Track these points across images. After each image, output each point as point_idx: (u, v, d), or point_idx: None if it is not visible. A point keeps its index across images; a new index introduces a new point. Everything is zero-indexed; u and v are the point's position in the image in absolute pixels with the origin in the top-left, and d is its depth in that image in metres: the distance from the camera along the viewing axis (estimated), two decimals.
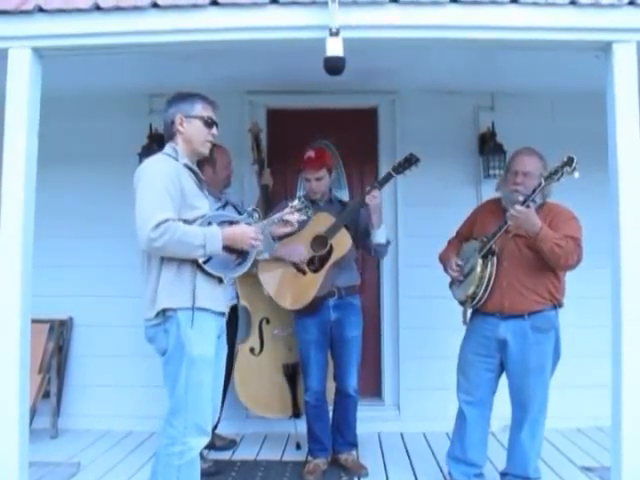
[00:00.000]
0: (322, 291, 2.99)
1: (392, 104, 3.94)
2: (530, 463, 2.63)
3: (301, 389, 3.29)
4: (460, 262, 2.75)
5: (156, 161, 2.20)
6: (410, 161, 2.90)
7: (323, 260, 2.99)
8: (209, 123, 2.27)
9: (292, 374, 3.36)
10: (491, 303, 2.63)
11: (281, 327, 3.38)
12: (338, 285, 3.04)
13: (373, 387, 3.93)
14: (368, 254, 3.19)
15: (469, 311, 2.74)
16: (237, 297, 3.35)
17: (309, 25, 2.31)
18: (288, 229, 2.45)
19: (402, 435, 3.69)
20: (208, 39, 2.39)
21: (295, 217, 2.41)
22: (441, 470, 3.05)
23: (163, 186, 2.09)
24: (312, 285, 2.99)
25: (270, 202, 3.40)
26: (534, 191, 2.45)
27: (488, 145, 3.74)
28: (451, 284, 2.84)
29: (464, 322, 2.75)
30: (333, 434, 3.16)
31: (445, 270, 2.84)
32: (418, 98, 3.84)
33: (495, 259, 2.62)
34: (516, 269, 2.61)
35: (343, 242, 2.99)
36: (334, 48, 2.23)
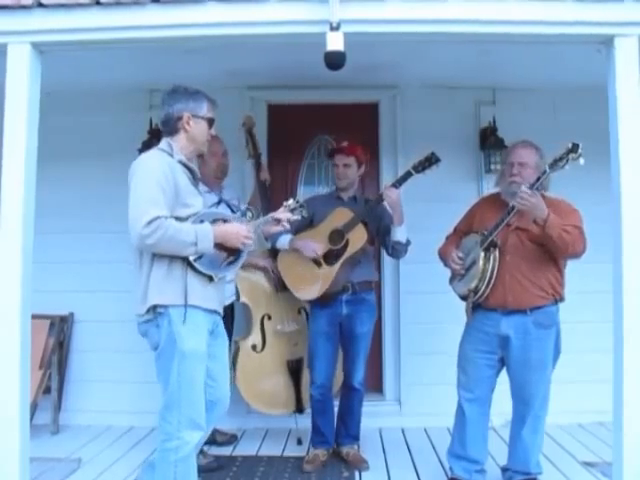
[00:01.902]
0: (336, 285, 3.01)
1: (393, 99, 3.93)
2: (531, 458, 2.63)
3: (304, 385, 3.29)
4: (461, 254, 2.74)
5: (150, 157, 2.20)
6: (430, 160, 2.90)
7: (339, 254, 3.01)
8: (211, 123, 2.32)
9: (295, 370, 3.35)
10: (493, 298, 2.62)
11: (283, 323, 3.36)
12: (352, 280, 3.05)
13: (374, 382, 3.93)
14: (387, 252, 3.19)
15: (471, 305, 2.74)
16: (237, 294, 3.34)
17: (309, 20, 2.30)
18: (279, 228, 2.45)
19: (403, 430, 3.69)
20: (208, 34, 2.38)
21: (287, 216, 2.41)
22: (442, 465, 3.06)
23: (156, 182, 2.09)
24: (326, 278, 3.01)
25: (269, 198, 3.39)
26: (538, 179, 2.43)
27: (489, 140, 3.74)
28: (451, 279, 2.83)
29: (468, 317, 2.74)
30: (337, 426, 3.17)
31: (445, 264, 2.83)
32: (419, 93, 3.84)
33: (497, 252, 2.60)
34: (519, 263, 2.60)
35: (359, 236, 3.00)
36: (335, 43, 2.22)
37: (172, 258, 2.12)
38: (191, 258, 2.12)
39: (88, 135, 3.82)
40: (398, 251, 3.09)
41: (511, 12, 2.32)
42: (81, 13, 2.33)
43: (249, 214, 2.35)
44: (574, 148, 2.34)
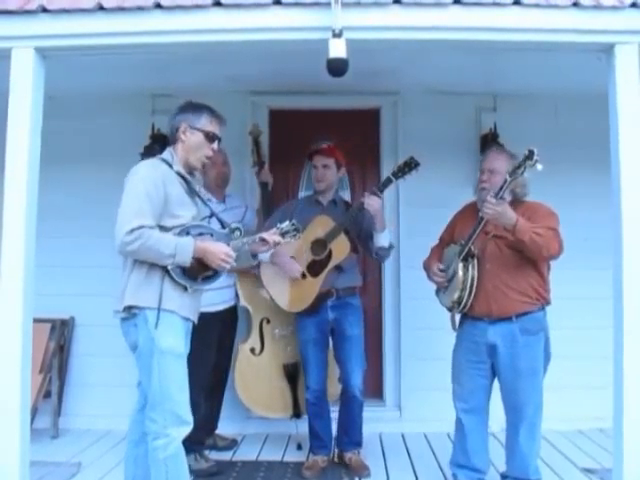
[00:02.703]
0: (321, 294, 3.01)
1: (394, 105, 3.94)
2: (530, 465, 2.61)
3: (302, 389, 3.29)
4: (442, 267, 2.74)
5: (145, 166, 2.27)
6: (410, 165, 2.87)
7: (322, 264, 3.01)
8: (211, 137, 2.33)
9: (293, 374, 3.36)
10: (478, 307, 2.62)
11: (281, 327, 3.37)
12: (336, 286, 3.05)
13: (374, 388, 3.93)
14: (370, 256, 3.19)
15: (457, 317, 2.74)
16: (237, 298, 3.35)
17: (312, 26, 2.32)
18: (266, 248, 2.54)
19: (403, 436, 3.69)
20: (211, 40, 2.40)
21: (274, 239, 2.45)
22: (442, 471, 3.06)
23: (146, 192, 2.16)
24: (311, 289, 3.01)
25: (270, 200, 3.41)
26: (501, 188, 2.42)
27: (490, 146, 3.73)
28: (437, 291, 2.83)
29: (453, 328, 2.75)
30: (338, 433, 3.17)
31: (429, 277, 2.85)
32: (420, 99, 3.84)
33: (476, 261, 2.60)
34: (500, 271, 2.59)
35: (342, 247, 3.00)
36: (337, 49, 2.23)
37: (152, 264, 2.20)
38: (169, 267, 2.18)
39: (91, 139, 3.83)
40: (382, 256, 3.09)
41: (512, 20, 2.34)
42: (85, 18, 2.36)
43: (237, 233, 2.37)
44: (530, 155, 2.34)
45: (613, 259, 2.39)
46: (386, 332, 3.93)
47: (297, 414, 3.35)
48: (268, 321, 3.39)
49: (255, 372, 3.36)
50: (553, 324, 3.63)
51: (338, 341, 3.10)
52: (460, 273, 2.60)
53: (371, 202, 2.87)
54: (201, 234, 2.27)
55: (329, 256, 3.00)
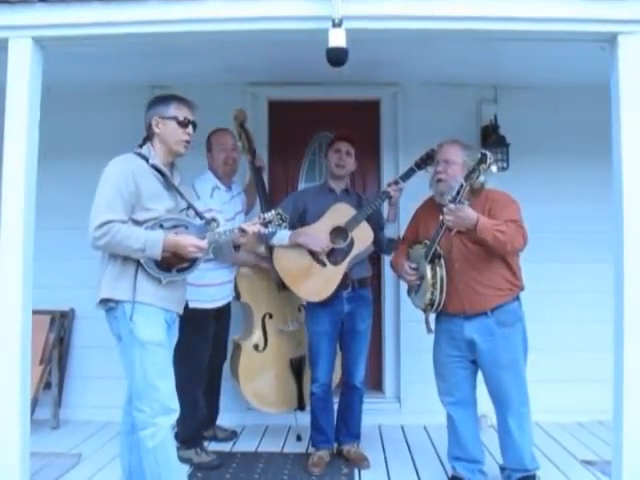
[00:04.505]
0: (343, 285, 2.98)
1: (394, 96, 3.92)
2: (525, 455, 2.60)
3: (306, 382, 3.27)
4: (413, 265, 2.72)
5: (117, 161, 2.31)
6: (432, 157, 2.88)
7: (343, 253, 2.96)
8: (183, 123, 2.35)
9: (298, 368, 3.34)
10: (452, 305, 2.61)
11: (286, 322, 3.34)
12: (352, 277, 3.02)
13: (374, 380, 3.93)
14: (379, 248, 3.16)
15: (432, 318, 2.73)
16: (237, 294, 3.29)
17: (311, 16, 2.30)
18: (245, 240, 2.57)
19: (403, 427, 3.70)
20: (210, 29, 2.38)
21: (254, 229, 2.45)
22: (441, 462, 3.07)
23: (116, 186, 2.22)
24: (333, 278, 2.95)
25: (264, 185, 3.37)
26: (458, 192, 2.39)
27: (491, 138, 3.71)
28: (409, 291, 2.82)
29: (428, 331, 2.73)
30: (337, 425, 3.17)
31: (399, 276, 2.83)
32: (421, 90, 3.83)
33: (443, 261, 2.58)
34: (468, 269, 2.57)
35: (365, 236, 2.97)
36: (337, 39, 2.22)
37: (125, 257, 2.24)
38: (141, 260, 2.21)
39: (88, 131, 3.81)
40: (390, 248, 3.09)
41: (514, 9, 2.31)
42: (82, 8, 2.34)
43: (214, 224, 2.38)
44: (483, 159, 2.32)
45: (614, 253, 2.38)
46: (386, 324, 3.93)
47: (301, 407, 3.34)
48: (271, 316, 3.34)
49: (260, 369, 3.30)
50: (553, 317, 3.65)
51: (348, 334, 3.08)
52: (429, 275, 2.59)
53: (400, 188, 2.95)
54: (175, 226, 2.29)
55: (350, 245, 2.96)
